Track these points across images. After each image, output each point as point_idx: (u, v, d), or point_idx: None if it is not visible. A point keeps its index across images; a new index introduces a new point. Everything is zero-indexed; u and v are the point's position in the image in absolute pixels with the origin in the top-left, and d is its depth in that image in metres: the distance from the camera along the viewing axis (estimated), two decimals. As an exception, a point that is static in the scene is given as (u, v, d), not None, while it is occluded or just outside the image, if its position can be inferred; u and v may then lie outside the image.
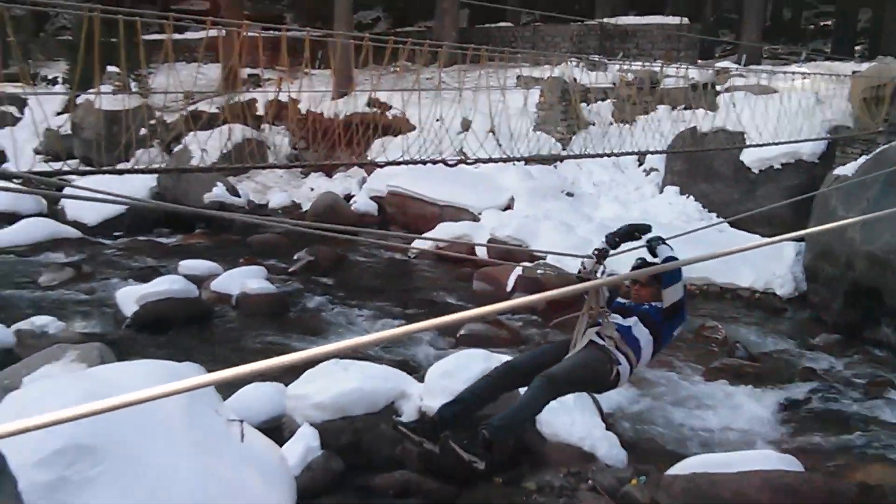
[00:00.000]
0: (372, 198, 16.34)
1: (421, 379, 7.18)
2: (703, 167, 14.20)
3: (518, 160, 8.49)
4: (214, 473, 5.22)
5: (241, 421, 5.89)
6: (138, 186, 15.18)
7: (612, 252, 5.09)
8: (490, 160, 6.69)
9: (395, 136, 13.23)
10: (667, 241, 5.03)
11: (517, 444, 6.60)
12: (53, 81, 25.40)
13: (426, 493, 6.27)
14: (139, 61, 6.70)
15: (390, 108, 16.84)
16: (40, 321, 9.48)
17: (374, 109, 16.17)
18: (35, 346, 8.34)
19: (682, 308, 4.96)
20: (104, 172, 9.31)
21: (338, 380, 6.91)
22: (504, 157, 8.39)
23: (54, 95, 20.53)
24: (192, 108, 17.87)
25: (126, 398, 1.26)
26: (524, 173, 15.11)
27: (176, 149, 17.24)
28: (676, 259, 4.85)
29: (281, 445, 6.28)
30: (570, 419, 6.79)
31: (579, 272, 5.10)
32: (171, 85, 10.03)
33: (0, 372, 7.17)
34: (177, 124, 17.20)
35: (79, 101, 18.20)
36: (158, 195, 15.60)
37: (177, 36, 20.45)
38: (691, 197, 14.35)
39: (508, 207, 14.59)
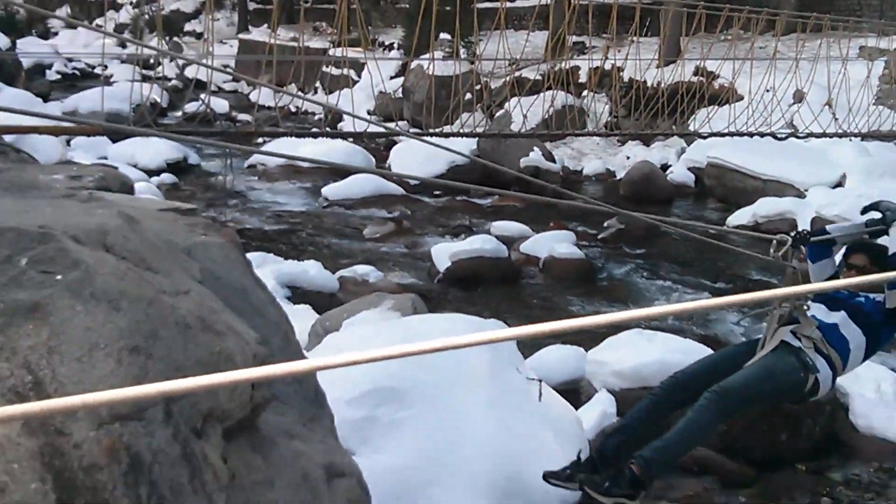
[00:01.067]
0: (690, 168, 15.91)
1: (727, 358, 6.94)
2: None
3: (855, 136, 7.91)
4: (511, 428, 5.36)
5: (540, 380, 5.98)
6: (461, 149, 15.80)
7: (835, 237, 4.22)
8: (824, 135, 6.28)
9: (721, 105, 12.71)
10: None
11: (824, 432, 6.24)
12: (390, 47, 26.97)
13: (725, 473, 6.08)
14: (471, 29, 6.92)
15: (718, 77, 16.23)
16: (362, 270, 10.16)
17: (701, 79, 15.65)
18: (356, 293, 9.01)
19: None
20: (430, 135, 9.76)
21: (639, 349, 6.84)
22: (840, 132, 7.85)
23: (390, 61, 21.84)
24: (517, 74, 18.25)
25: (434, 343, 1.32)
26: (860, 149, 13.99)
27: (498, 114, 17.72)
28: None
29: (577, 408, 6.33)
30: (888, 413, 6.29)
31: (773, 256, 4.13)
32: (499, 52, 10.25)
33: (324, 314, 7.79)
34: (501, 90, 17.67)
35: (412, 66, 19.19)
36: (478, 157, 16.15)
37: (508, 4, 20.90)
38: None
39: (839, 185, 13.59)
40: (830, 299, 4.15)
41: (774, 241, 4.10)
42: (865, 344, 4.03)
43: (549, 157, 16.37)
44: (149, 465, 2.07)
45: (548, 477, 3.81)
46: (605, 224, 13.09)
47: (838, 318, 4.04)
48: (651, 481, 3.52)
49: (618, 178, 16.40)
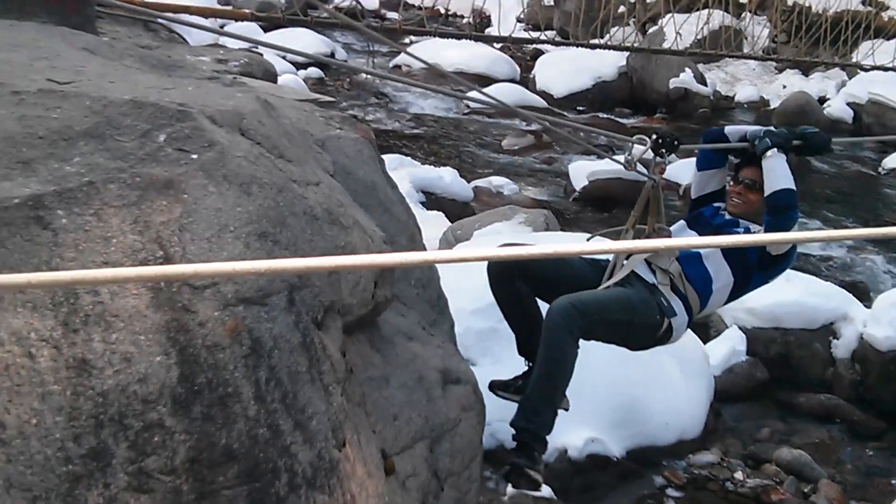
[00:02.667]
0: (849, 104, 15.07)
1: (869, 305, 6.62)
2: None
3: None
4: (635, 355, 5.28)
5: (669, 310, 5.85)
6: (608, 63, 15.39)
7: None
8: None
9: (889, 39, 11.94)
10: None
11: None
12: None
13: (851, 423, 5.87)
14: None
15: (888, 7, 15.21)
16: (497, 181, 10.08)
17: (869, 8, 14.70)
18: (489, 204, 8.96)
19: (788, 258, 3.41)
20: (578, 45, 9.48)
21: (777, 288, 6.54)
22: None
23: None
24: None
25: (553, 248, 1.25)
26: None
27: (651, 30, 17.10)
28: (794, 192, 3.27)
29: (705, 343, 6.17)
30: None
31: (627, 161, 3.27)
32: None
33: (456, 222, 7.78)
34: (655, 5, 17.01)
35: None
36: (625, 74, 15.71)
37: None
38: None
39: None
40: (699, 223, 3.48)
41: (631, 145, 3.28)
42: (732, 285, 3.40)
43: (701, 79, 15.74)
44: (269, 349, 2.09)
45: (494, 387, 3.35)
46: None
47: (712, 255, 3.36)
48: (539, 442, 3.00)
49: (771, 107, 15.67)
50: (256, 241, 2.16)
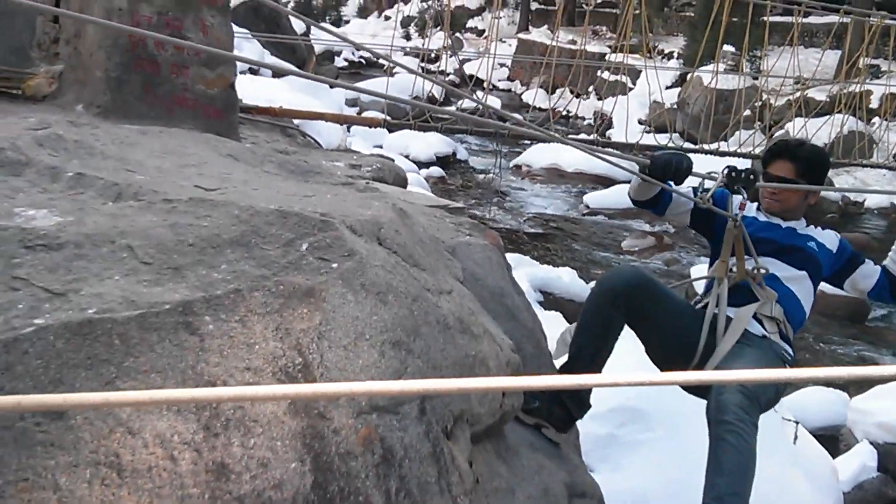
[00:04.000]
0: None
1: None
2: None
3: None
4: (764, 469, 5.09)
5: (797, 422, 5.64)
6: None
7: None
8: None
9: None
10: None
11: None
12: (669, 56, 26.41)
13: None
14: (758, 42, 6.62)
15: None
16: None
17: None
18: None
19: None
20: (706, 152, 9.40)
21: (912, 402, 6.29)
22: None
23: (668, 70, 21.38)
24: (801, 93, 17.33)
25: (669, 377, 1.24)
26: None
27: (778, 133, 16.89)
28: None
29: (834, 457, 5.91)
30: None
31: (700, 198, 3.01)
32: (786, 69, 9.76)
33: (573, 323, 7.70)
34: (784, 109, 16.84)
35: (691, 77, 18.67)
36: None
37: (801, 19, 19.91)
38: None
39: None
40: (779, 247, 3.13)
41: (702, 181, 3.04)
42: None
43: (829, 184, 15.41)
44: (400, 459, 2.10)
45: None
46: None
47: (797, 278, 3.12)
48: None
49: (902, 212, 15.22)
50: (391, 349, 2.19)
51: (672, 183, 3.05)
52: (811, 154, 3.22)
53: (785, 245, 3.21)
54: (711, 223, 3.33)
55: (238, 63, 4.38)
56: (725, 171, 3.02)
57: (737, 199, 3.13)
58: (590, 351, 3.15)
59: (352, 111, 17.22)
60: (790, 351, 3.12)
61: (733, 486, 2.78)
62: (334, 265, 2.23)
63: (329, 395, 1.16)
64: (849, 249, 3.36)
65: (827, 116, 12.02)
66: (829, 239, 3.33)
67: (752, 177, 3.03)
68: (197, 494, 1.81)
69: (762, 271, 3.11)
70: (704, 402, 2.90)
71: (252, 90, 8.54)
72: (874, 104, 17.64)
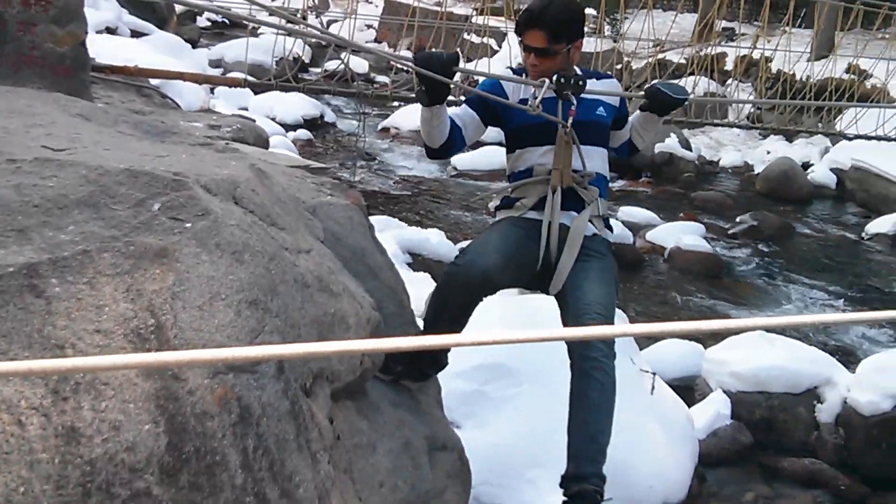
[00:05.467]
0: (832, 169, 15.30)
1: (853, 370, 6.66)
2: None
3: None
4: (621, 420, 5.29)
5: (654, 373, 5.86)
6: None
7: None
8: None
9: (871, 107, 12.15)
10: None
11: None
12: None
13: (836, 488, 5.85)
14: (616, 5, 6.79)
15: (870, 76, 15.52)
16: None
17: (852, 76, 14.99)
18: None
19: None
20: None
21: (761, 352, 6.61)
22: None
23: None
24: (660, 56, 17.86)
25: (549, 333, 1.28)
26: None
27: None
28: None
29: (690, 406, 6.18)
30: None
31: (529, 105, 2.98)
32: (644, 32, 10.04)
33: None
34: (643, 71, 17.32)
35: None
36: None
37: (656, -17, 20.46)
38: None
39: None
40: (576, 124, 3.09)
41: (533, 89, 3.02)
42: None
43: (686, 144, 15.96)
44: (257, 417, 2.10)
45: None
46: (738, 219, 12.71)
47: (600, 155, 3.21)
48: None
49: (755, 172, 15.87)
50: (247, 308, 2.18)
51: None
52: (559, 13, 3.05)
53: (582, 122, 3.14)
54: (503, 119, 3.31)
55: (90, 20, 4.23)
56: (555, 79, 2.98)
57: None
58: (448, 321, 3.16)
59: (216, 72, 16.82)
60: (611, 229, 3.31)
61: (601, 424, 3.01)
62: (188, 225, 2.20)
63: (182, 363, 1.15)
64: (624, 109, 3.41)
65: (683, 78, 12.41)
66: (611, 89, 3.37)
67: (581, 83, 3.02)
68: (46, 459, 1.77)
69: (587, 176, 3.18)
70: (566, 357, 3.03)
71: (110, 49, 8.23)
72: (728, 66, 18.32)
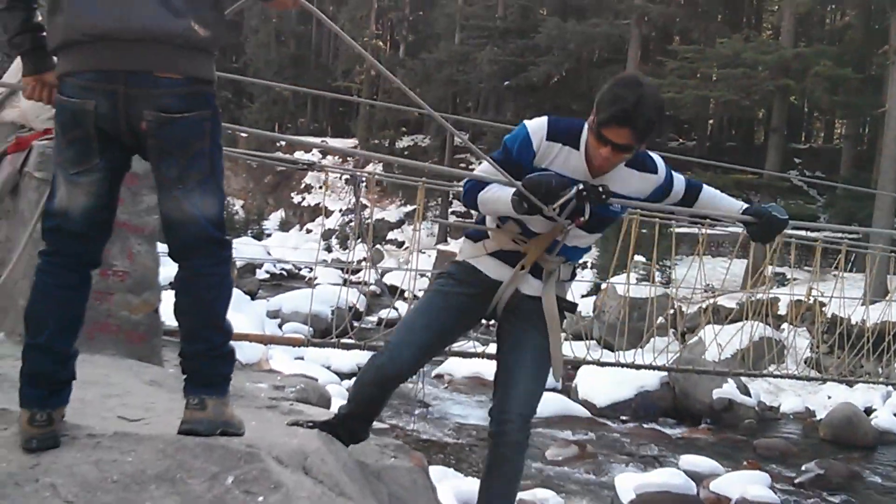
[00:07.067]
0: (895, 414, 14.95)
1: None
2: None
3: None
4: None
5: None
6: (650, 372, 15.48)
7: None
8: None
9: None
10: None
11: None
12: (583, 266, 27.38)
13: None
14: (667, 252, 6.96)
15: (928, 319, 15.42)
16: (542, 494, 9.89)
17: (909, 319, 14.91)
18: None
19: None
20: (622, 365, 9.54)
21: None
22: None
23: (583, 282, 22.13)
24: (712, 301, 17.99)
25: None
26: None
27: (691, 340, 17.37)
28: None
29: None
30: None
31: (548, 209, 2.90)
32: (695, 278, 10.22)
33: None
34: (695, 316, 17.44)
35: (604, 286, 19.29)
36: (667, 384, 15.79)
37: (707, 231, 20.92)
38: None
39: None
40: (592, 217, 3.00)
41: (575, 192, 2.87)
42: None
43: (745, 390, 15.75)
44: None
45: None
46: (804, 468, 12.31)
47: (587, 238, 3.17)
48: None
49: (818, 418, 15.53)
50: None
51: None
52: (651, 113, 2.85)
53: (598, 215, 3.05)
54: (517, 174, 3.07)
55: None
56: (579, 187, 2.90)
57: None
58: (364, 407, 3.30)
59: (273, 322, 17.25)
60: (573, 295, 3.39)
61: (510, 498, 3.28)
62: (260, 499, 2.21)
63: None
64: (669, 188, 3.26)
65: (739, 323, 12.44)
66: (646, 185, 3.21)
67: (603, 197, 2.94)
68: None
69: (563, 262, 3.19)
70: None
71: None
72: (782, 311, 18.33)
